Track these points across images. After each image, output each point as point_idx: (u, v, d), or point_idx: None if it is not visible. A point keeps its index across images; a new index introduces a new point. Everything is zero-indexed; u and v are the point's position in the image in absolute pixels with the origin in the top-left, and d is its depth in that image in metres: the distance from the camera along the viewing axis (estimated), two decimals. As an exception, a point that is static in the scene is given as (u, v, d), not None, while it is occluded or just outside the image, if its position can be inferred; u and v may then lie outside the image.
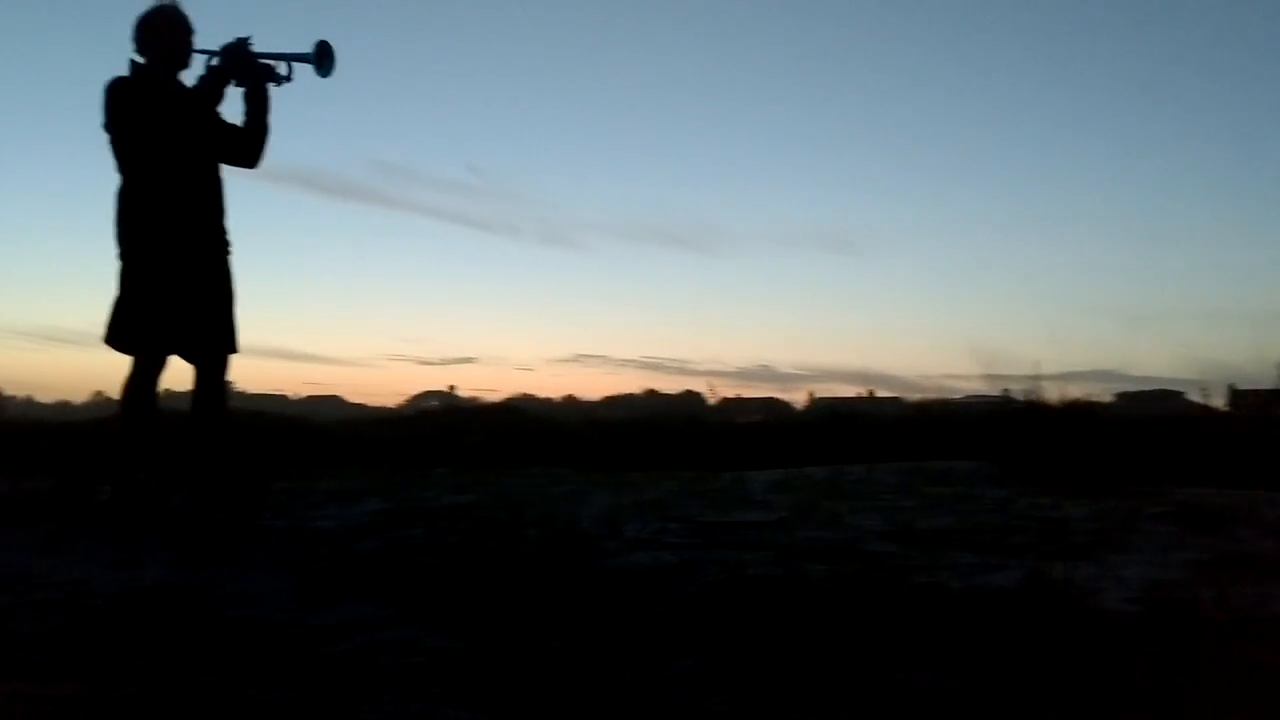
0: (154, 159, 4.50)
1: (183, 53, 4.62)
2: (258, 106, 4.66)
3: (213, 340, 4.57)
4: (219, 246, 4.64)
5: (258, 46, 4.66)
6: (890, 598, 2.39)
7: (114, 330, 4.50)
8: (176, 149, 4.49)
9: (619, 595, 2.66)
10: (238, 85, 4.64)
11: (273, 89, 4.68)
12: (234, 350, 4.64)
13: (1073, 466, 6.18)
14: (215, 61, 4.64)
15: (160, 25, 4.59)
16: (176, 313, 4.45)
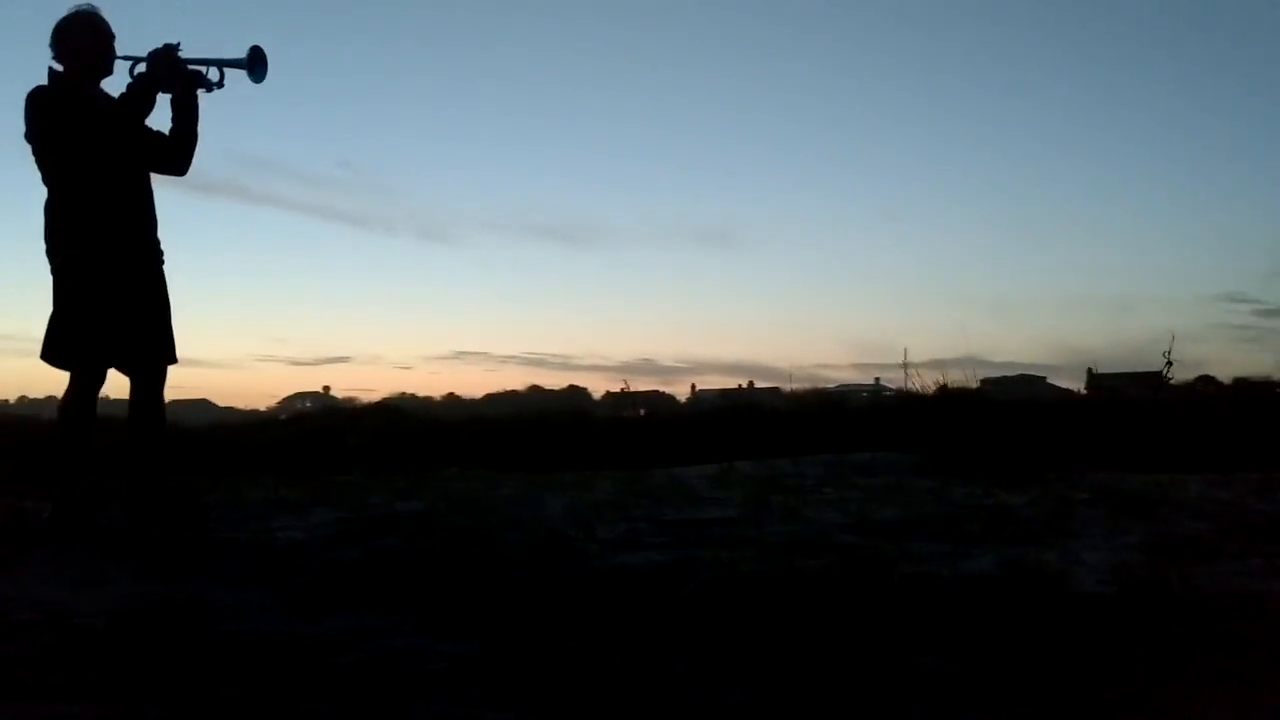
0: (80, 170, 4.40)
1: (103, 60, 4.52)
2: (185, 114, 4.57)
3: (151, 351, 4.51)
4: (152, 257, 4.57)
5: (187, 53, 4.61)
6: (883, 588, 2.53)
7: (52, 346, 4.41)
8: (101, 159, 4.41)
9: (618, 595, 2.74)
10: (165, 92, 4.58)
11: (203, 95, 4.63)
12: (173, 360, 4.59)
13: (985, 454, 6.48)
14: (142, 68, 4.57)
15: (79, 32, 4.47)
16: (115, 326, 4.38)
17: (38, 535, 4.32)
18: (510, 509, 4.24)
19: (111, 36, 4.54)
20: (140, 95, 4.51)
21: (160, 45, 4.52)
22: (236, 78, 4.60)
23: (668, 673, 2.32)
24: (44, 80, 4.47)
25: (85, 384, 4.42)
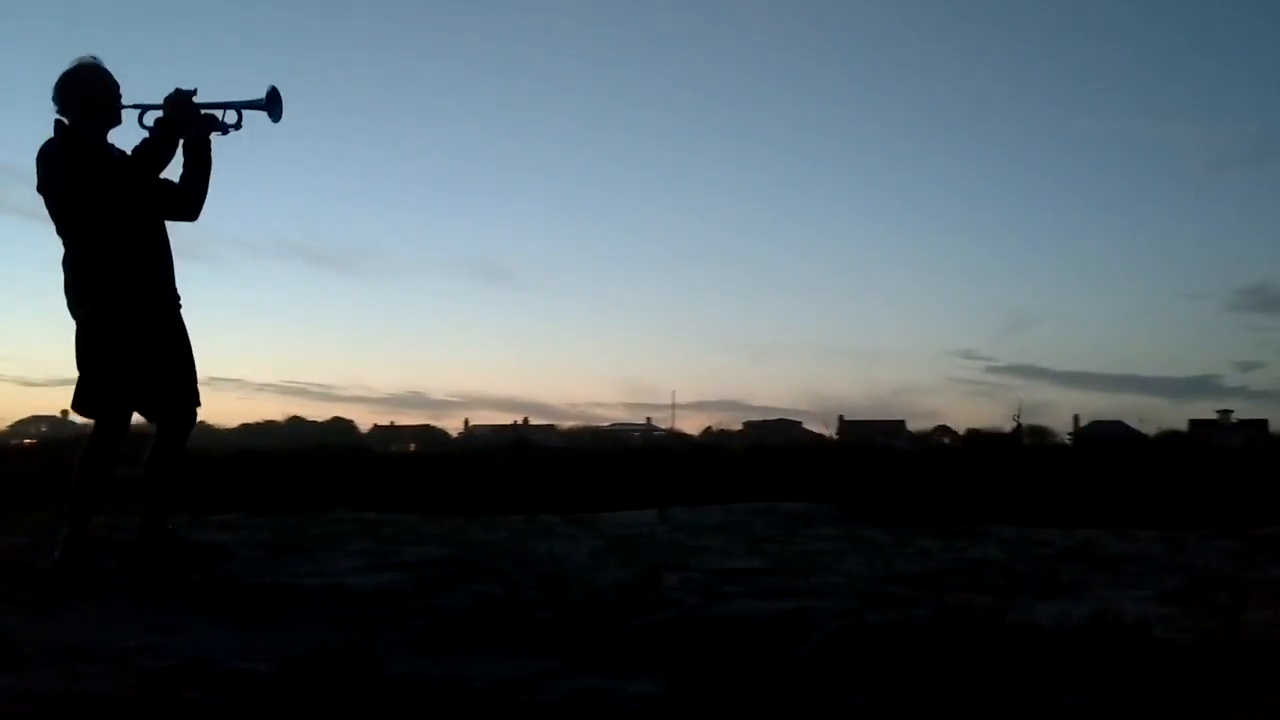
0: (98, 221, 4.43)
1: (112, 110, 4.56)
2: (199, 159, 4.62)
3: (178, 400, 4.53)
4: (172, 304, 4.60)
5: (202, 96, 4.66)
6: (998, 636, 2.93)
7: (82, 397, 4.39)
8: (119, 209, 4.44)
9: (755, 641, 3.05)
10: (183, 137, 4.61)
11: (217, 137, 4.68)
12: (198, 405, 4.61)
13: (887, 504, 7.07)
14: (150, 116, 4.60)
15: (86, 84, 4.51)
16: (140, 374, 4.40)
17: (47, 578, 4.26)
18: (535, 557, 4.44)
19: (118, 86, 4.57)
20: (163, 142, 4.54)
21: (174, 90, 4.58)
22: (253, 118, 4.69)
23: (845, 709, 2.65)
24: (50, 134, 4.47)
25: (109, 432, 4.41)
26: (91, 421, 4.43)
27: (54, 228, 4.49)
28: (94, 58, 4.54)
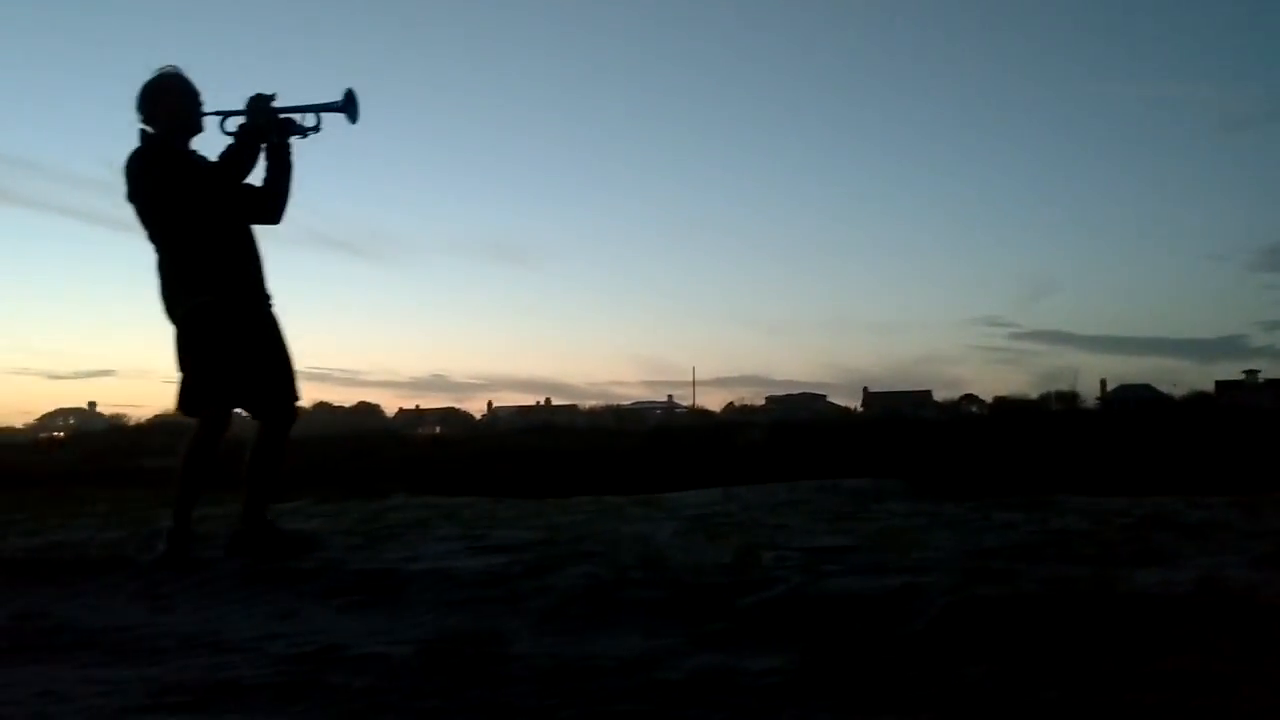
0: (186, 226, 4.56)
1: (193, 118, 4.67)
2: (281, 162, 4.73)
3: (280, 397, 4.65)
4: (264, 302, 4.70)
5: (281, 100, 4.75)
6: (1106, 604, 3.01)
7: (187, 396, 4.52)
8: (204, 214, 4.55)
9: (868, 615, 3.14)
10: (265, 142, 4.70)
11: (297, 141, 4.77)
12: (298, 400, 4.73)
13: (953, 478, 7.15)
14: (231, 122, 4.70)
15: (169, 93, 4.65)
16: (241, 372, 4.52)
17: (154, 570, 4.40)
18: (624, 539, 4.54)
19: (198, 94, 4.67)
20: (246, 148, 4.64)
21: (254, 95, 4.67)
22: (333, 121, 4.78)
23: (966, 681, 2.72)
24: (135, 144, 4.58)
25: (211, 429, 4.55)
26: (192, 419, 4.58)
27: (145, 234, 4.62)
28: (175, 67, 4.65)
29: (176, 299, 4.59)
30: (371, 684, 2.79)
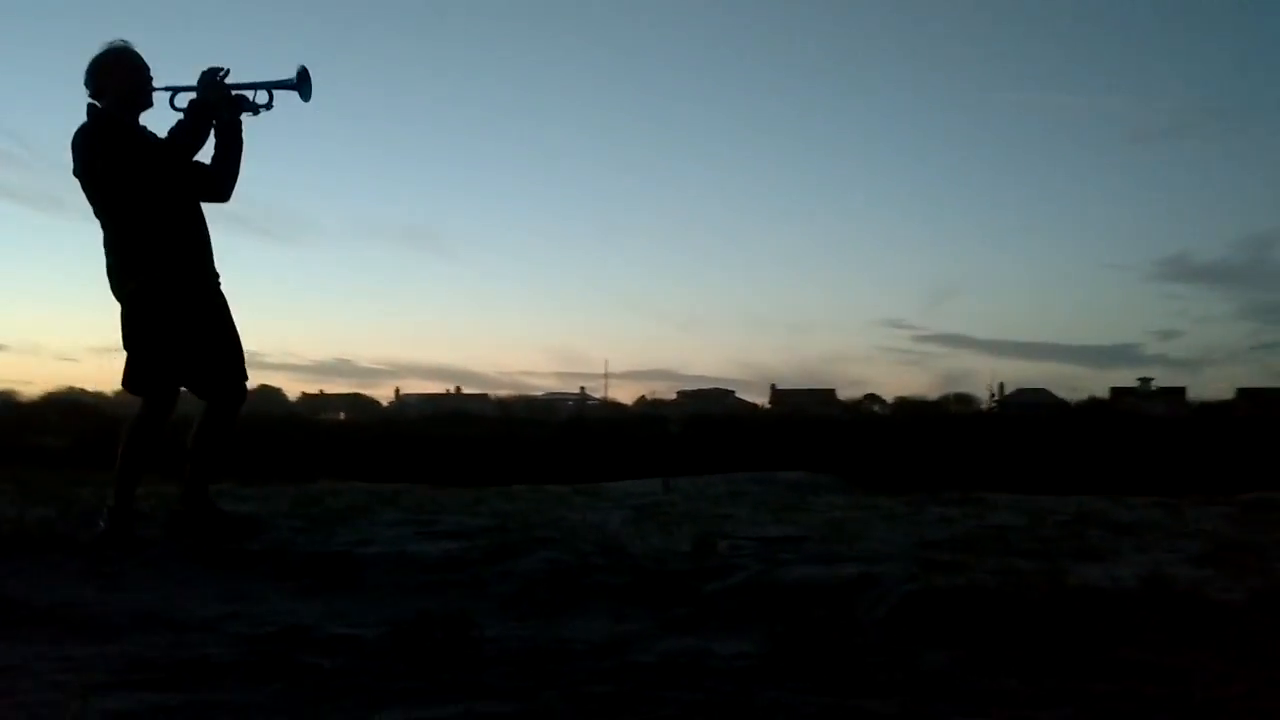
0: (137, 203, 4.47)
1: (144, 94, 4.58)
2: (231, 139, 4.65)
3: (228, 377, 4.58)
4: (212, 281, 4.63)
5: (234, 77, 4.67)
6: (1059, 597, 3.12)
7: (133, 375, 4.44)
8: (157, 191, 4.47)
9: (828, 603, 3.21)
10: (215, 118, 4.63)
11: (248, 118, 4.70)
12: (246, 380, 4.67)
13: (881, 473, 7.33)
14: (181, 98, 4.62)
15: (118, 68, 4.54)
16: (188, 352, 4.45)
17: (95, 548, 4.31)
18: (580, 526, 4.57)
19: (148, 69, 4.58)
20: (196, 125, 4.56)
21: (206, 70, 4.59)
22: (284, 98, 4.71)
23: (927, 667, 2.81)
24: (83, 118, 4.48)
25: (157, 409, 4.47)
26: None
27: (91, 210, 4.51)
28: (125, 42, 4.55)
29: (123, 276, 4.50)
30: (344, 665, 2.79)
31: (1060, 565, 3.53)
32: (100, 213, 4.51)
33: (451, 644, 2.96)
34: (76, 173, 4.47)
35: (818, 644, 2.93)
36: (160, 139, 4.57)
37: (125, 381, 4.53)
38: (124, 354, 4.55)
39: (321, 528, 4.66)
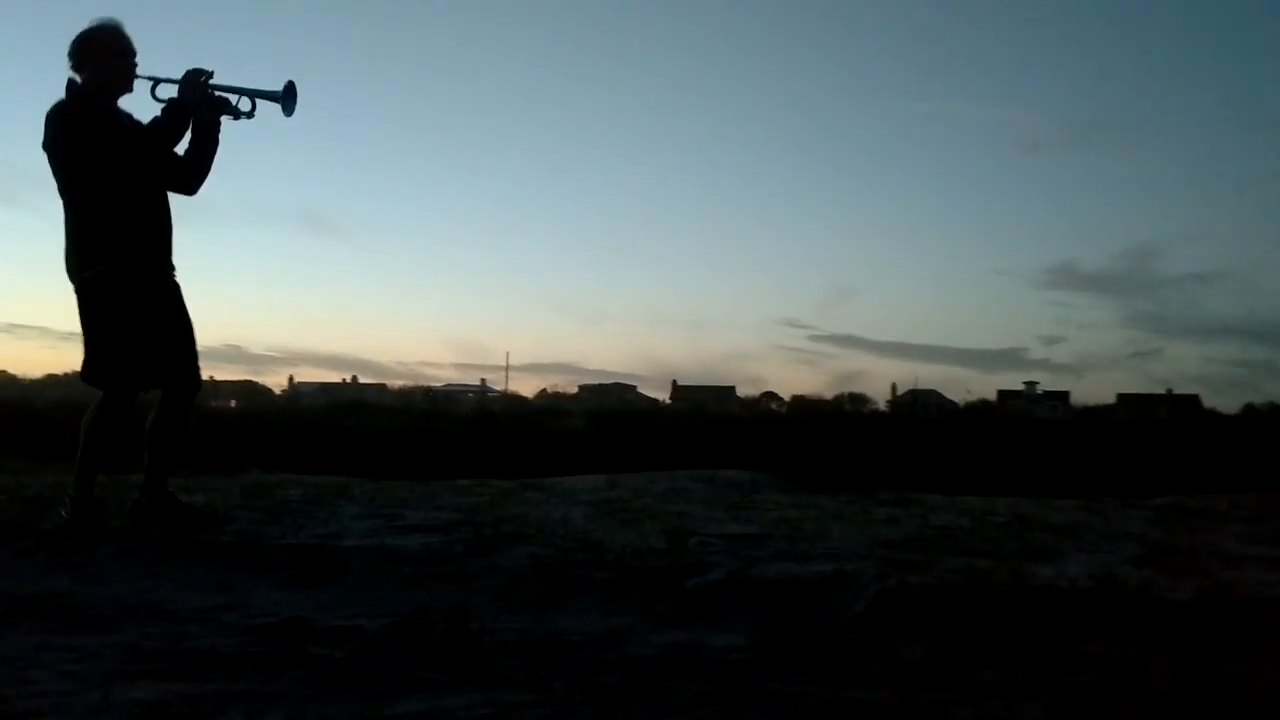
0: (101, 185, 4.45)
1: (124, 76, 4.56)
2: (207, 139, 4.65)
3: (184, 366, 4.57)
4: (168, 272, 4.62)
5: (219, 79, 4.67)
6: (1023, 594, 3.33)
7: (92, 369, 4.40)
8: (121, 175, 4.45)
9: (806, 599, 3.38)
10: (193, 117, 4.63)
11: (228, 121, 4.70)
12: (199, 372, 4.66)
13: (816, 471, 7.54)
14: (163, 90, 4.62)
15: (105, 47, 4.53)
16: (147, 347, 4.44)
17: (58, 537, 4.30)
18: (547, 521, 4.67)
19: (134, 54, 4.57)
20: (174, 123, 4.57)
21: (193, 69, 4.59)
22: (266, 110, 4.72)
23: (912, 658, 2.99)
24: (61, 91, 4.45)
25: (117, 402, 4.45)
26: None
27: (55, 187, 4.47)
28: (115, 20, 4.53)
29: (80, 263, 4.47)
30: (354, 655, 2.87)
31: (1015, 565, 3.74)
32: (64, 192, 4.47)
33: (453, 636, 3.06)
34: (45, 147, 4.43)
35: (803, 638, 3.10)
36: (136, 124, 4.56)
37: (85, 374, 4.49)
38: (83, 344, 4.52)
39: (284, 520, 4.69)
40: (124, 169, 4.44)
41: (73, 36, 4.47)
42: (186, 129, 4.62)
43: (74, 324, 4.50)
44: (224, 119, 4.65)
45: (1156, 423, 43.91)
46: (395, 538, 4.18)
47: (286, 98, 4.67)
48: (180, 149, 4.62)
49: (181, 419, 4.64)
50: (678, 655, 2.93)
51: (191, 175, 4.65)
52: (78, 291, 4.48)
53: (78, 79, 4.47)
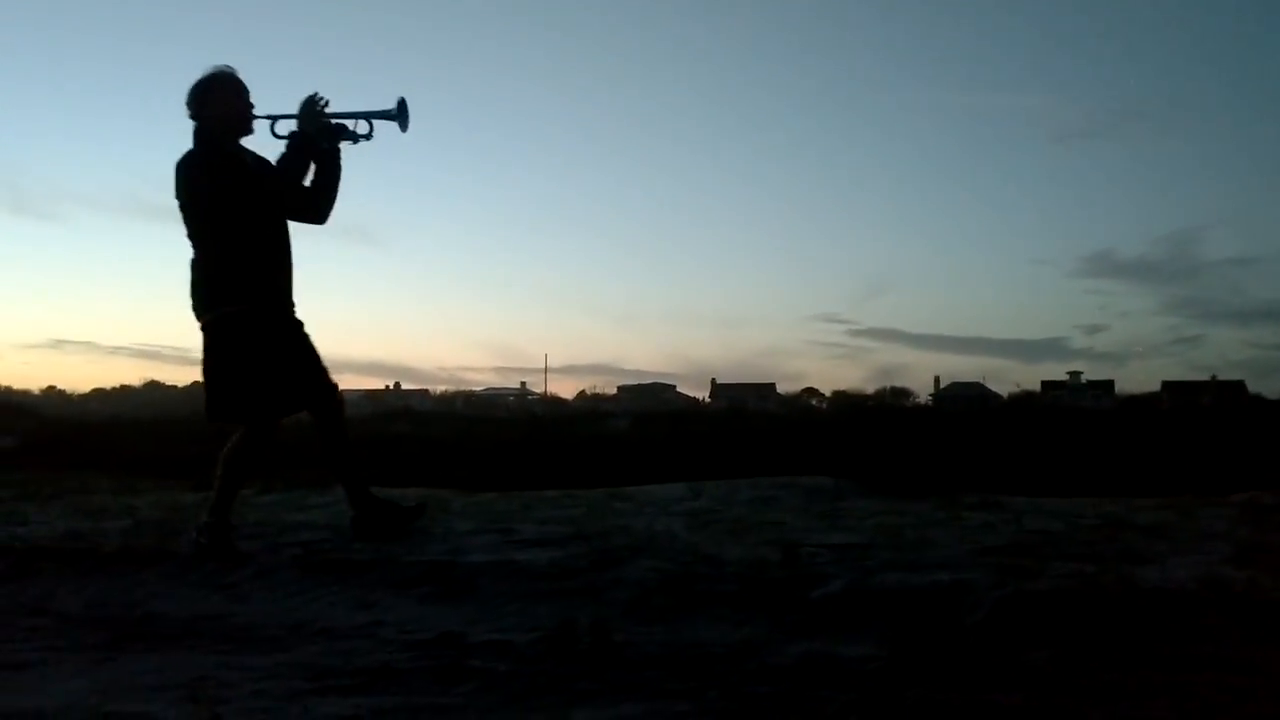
0: (232, 228, 4.67)
1: (244, 117, 4.78)
2: (331, 167, 4.88)
3: (320, 389, 4.79)
4: (289, 310, 4.87)
5: (334, 106, 4.88)
6: (1135, 598, 3.49)
7: (219, 404, 4.64)
8: (251, 217, 4.66)
9: (928, 607, 3.55)
10: (314, 146, 4.83)
11: (348, 146, 4.91)
12: (336, 389, 4.90)
13: (895, 475, 7.66)
14: (281, 126, 4.81)
15: (223, 93, 4.76)
16: (281, 379, 4.69)
17: (199, 560, 4.54)
18: (655, 534, 4.86)
19: (249, 95, 4.78)
20: (298, 155, 4.77)
21: (307, 99, 4.80)
22: (384, 128, 4.94)
23: (1037, 663, 3.15)
24: (189, 141, 4.68)
25: (259, 435, 4.68)
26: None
27: (185, 232, 4.70)
28: (229, 67, 4.75)
29: (206, 303, 4.70)
30: (514, 668, 3.08)
31: (1118, 568, 3.89)
32: (192, 235, 4.70)
33: (599, 648, 3.26)
34: (179, 196, 4.66)
35: (932, 645, 3.26)
36: (263, 161, 4.77)
37: (212, 412, 4.74)
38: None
39: (407, 536, 4.90)
40: (252, 210, 4.66)
41: (187, 84, 4.70)
42: (311, 159, 4.81)
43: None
44: (343, 144, 4.87)
45: (1203, 410, 43.51)
46: (517, 552, 4.39)
47: (401, 115, 4.88)
48: (307, 180, 4.83)
49: (340, 430, 4.87)
50: (815, 664, 3.10)
51: (320, 204, 4.88)
52: (204, 330, 4.72)
53: (200, 128, 4.69)
